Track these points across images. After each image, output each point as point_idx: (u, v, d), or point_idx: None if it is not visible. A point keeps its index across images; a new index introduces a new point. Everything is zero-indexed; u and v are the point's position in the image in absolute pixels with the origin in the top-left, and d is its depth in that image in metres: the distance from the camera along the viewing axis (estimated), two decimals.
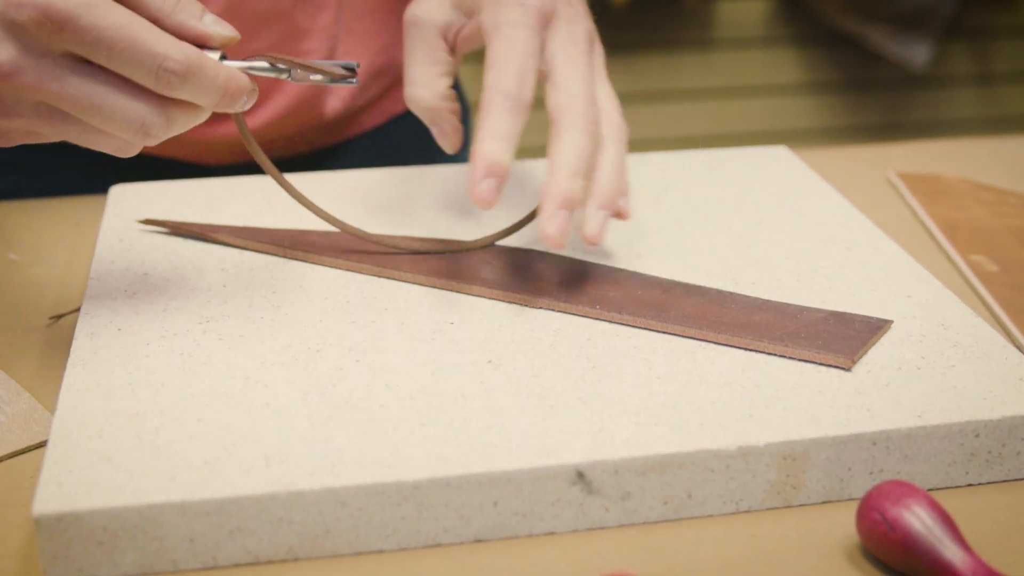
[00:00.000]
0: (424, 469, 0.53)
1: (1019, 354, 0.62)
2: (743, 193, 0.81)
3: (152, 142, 0.57)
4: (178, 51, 0.55)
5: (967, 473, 0.58)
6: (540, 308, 0.66)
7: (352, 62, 0.62)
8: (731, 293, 0.67)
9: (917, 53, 2.18)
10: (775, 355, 0.61)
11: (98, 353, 0.61)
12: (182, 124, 0.58)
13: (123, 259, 0.71)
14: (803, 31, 2.29)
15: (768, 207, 0.79)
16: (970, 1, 2.28)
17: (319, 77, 0.62)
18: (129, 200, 0.78)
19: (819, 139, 2.40)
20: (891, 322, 0.64)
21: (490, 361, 0.61)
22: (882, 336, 0.63)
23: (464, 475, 0.53)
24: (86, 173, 0.89)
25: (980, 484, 0.58)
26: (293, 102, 0.91)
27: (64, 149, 0.88)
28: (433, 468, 0.53)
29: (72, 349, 0.62)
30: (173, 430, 0.55)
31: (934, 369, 0.61)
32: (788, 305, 0.66)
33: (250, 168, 0.90)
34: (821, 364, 0.61)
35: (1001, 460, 0.58)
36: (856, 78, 2.37)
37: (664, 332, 0.63)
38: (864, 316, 0.65)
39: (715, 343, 0.62)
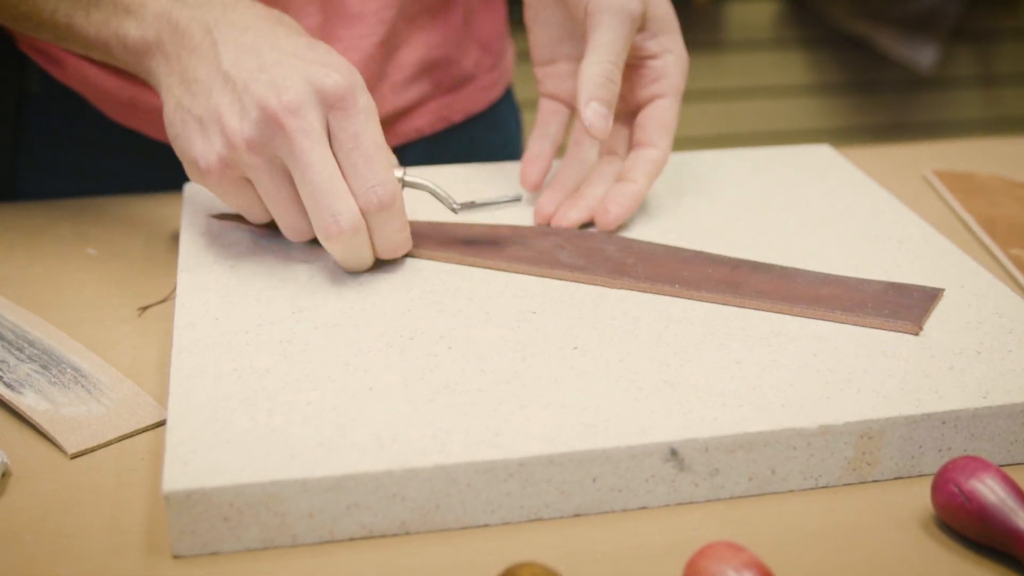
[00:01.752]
0: (528, 448, 0.56)
1: None
2: (793, 189, 0.85)
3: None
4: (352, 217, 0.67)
5: None
6: (621, 289, 0.69)
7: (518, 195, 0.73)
8: (795, 269, 0.71)
9: (924, 55, 2.22)
10: (846, 324, 0.66)
11: (200, 341, 0.64)
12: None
13: (208, 252, 0.74)
14: (811, 33, 2.33)
15: (819, 203, 0.83)
16: (974, 4, 2.33)
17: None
18: (204, 196, 0.81)
19: (827, 140, 2.43)
20: (943, 290, 0.69)
21: (576, 348, 0.64)
22: (938, 303, 0.68)
23: (566, 453, 0.56)
24: (153, 176, 0.91)
25: None
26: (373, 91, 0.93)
27: (131, 152, 0.91)
28: (537, 447, 0.56)
29: (174, 338, 0.65)
30: (285, 413, 0.58)
31: (993, 354, 0.64)
32: (848, 278, 0.70)
33: None
34: (890, 331, 0.65)
35: None
36: (863, 80, 2.41)
37: (741, 307, 0.67)
38: (917, 286, 0.70)
39: (790, 315, 0.66)
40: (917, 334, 0.64)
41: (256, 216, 0.71)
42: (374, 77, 0.94)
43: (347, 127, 0.66)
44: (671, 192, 0.84)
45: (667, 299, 0.69)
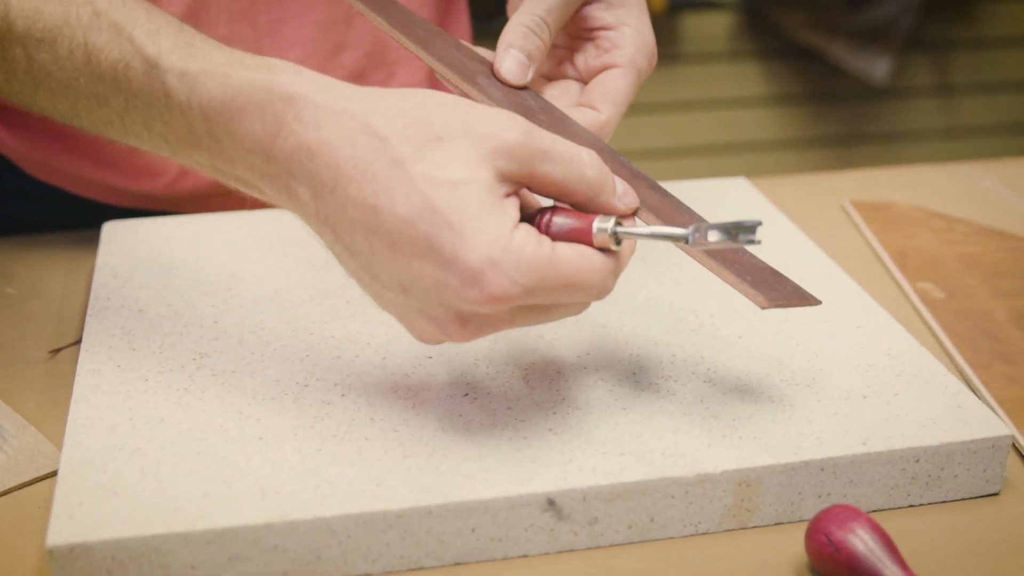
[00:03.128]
0: (407, 499, 0.57)
1: (959, 382, 0.67)
2: None
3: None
4: (607, 277, 0.57)
5: (908, 495, 0.63)
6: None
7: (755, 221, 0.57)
8: (696, 214, 0.65)
9: (877, 67, 2.23)
10: (703, 268, 0.62)
11: (99, 389, 0.65)
12: None
13: (118, 296, 0.75)
14: (767, 45, 2.34)
15: None
16: (929, 15, 2.34)
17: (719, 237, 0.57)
18: (122, 236, 0.82)
19: (782, 149, 2.46)
20: (820, 302, 0.63)
21: (467, 395, 0.65)
22: (805, 306, 0.63)
23: (444, 504, 0.57)
24: (75, 203, 0.91)
25: (920, 505, 0.63)
26: None
27: (51, 202, 0.91)
28: (416, 498, 0.57)
29: (75, 386, 0.66)
30: (173, 464, 0.59)
31: (879, 398, 0.65)
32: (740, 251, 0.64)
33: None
34: (740, 294, 0.61)
35: (940, 483, 0.63)
36: (819, 90, 2.42)
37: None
38: (797, 285, 0.63)
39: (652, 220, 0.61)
40: (763, 307, 0.60)
41: None
42: None
43: (545, 178, 0.57)
44: None
45: (563, 344, 0.70)
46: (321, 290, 0.76)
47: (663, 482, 0.59)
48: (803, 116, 2.45)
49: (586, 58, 0.71)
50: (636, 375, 0.67)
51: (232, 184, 0.60)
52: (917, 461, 0.62)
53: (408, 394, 0.65)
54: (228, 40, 0.79)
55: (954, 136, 2.53)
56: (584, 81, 0.72)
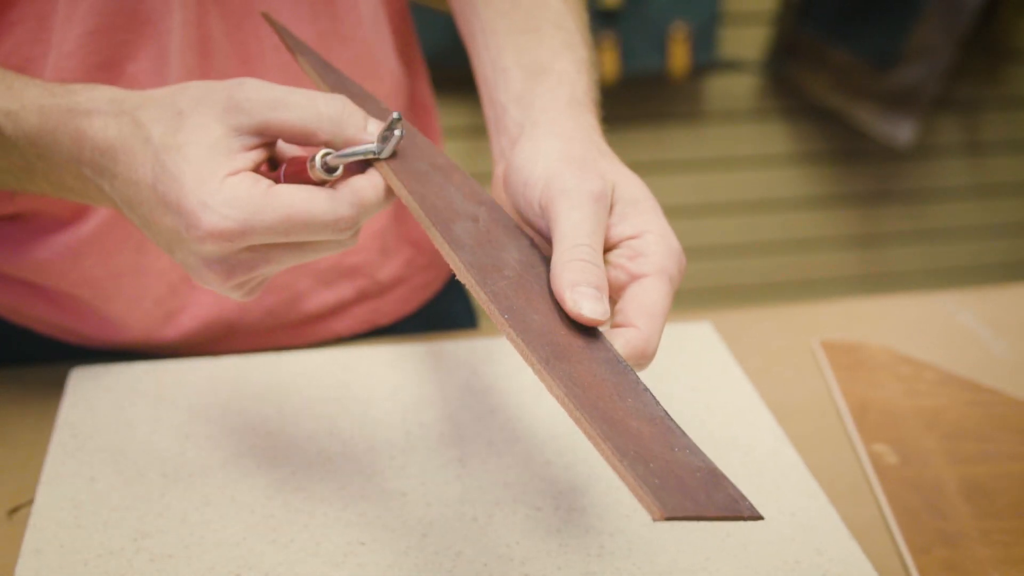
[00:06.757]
0: None
1: None
2: (658, 383, 0.86)
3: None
4: (337, 207, 0.60)
5: None
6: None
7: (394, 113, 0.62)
8: (638, 384, 0.57)
9: (901, 131, 2.22)
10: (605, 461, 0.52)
11: (40, 574, 0.67)
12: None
13: (73, 460, 0.77)
14: (791, 104, 2.33)
15: (678, 400, 0.84)
16: (957, 76, 2.32)
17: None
18: (86, 386, 0.84)
19: (810, 207, 2.45)
20: (760, 517, 0.52)
21: None
22: (735, 520, 0.52)
23: None
24: (49, 342, 0.93)
25: None
26: (281, 296, 0.93)
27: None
28: None
29: (16, 569, 0.68)
30: None
31: None
32: (682, 436, 0.56)
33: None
34: (636, 498, 0.50)
35: None
36: (845, 148, 2.41)
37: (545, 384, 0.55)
38: (736, 494, 0.53)
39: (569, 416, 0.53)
40: (655, 519, 0.48)
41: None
42: (274, 283, 0.91)
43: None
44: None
45: (495, 531, 0.71)
46: (270, 457, 0.77)
47: None
48: (830, 174, 2.44)
49: (611, 272, 0.64)
50: (561, 570, 0.68)
51: (74, 198, 0.69)
52: None
53: None
54: None
55: (982, 195, 2.51)
56: (614, 299, 0.64)
